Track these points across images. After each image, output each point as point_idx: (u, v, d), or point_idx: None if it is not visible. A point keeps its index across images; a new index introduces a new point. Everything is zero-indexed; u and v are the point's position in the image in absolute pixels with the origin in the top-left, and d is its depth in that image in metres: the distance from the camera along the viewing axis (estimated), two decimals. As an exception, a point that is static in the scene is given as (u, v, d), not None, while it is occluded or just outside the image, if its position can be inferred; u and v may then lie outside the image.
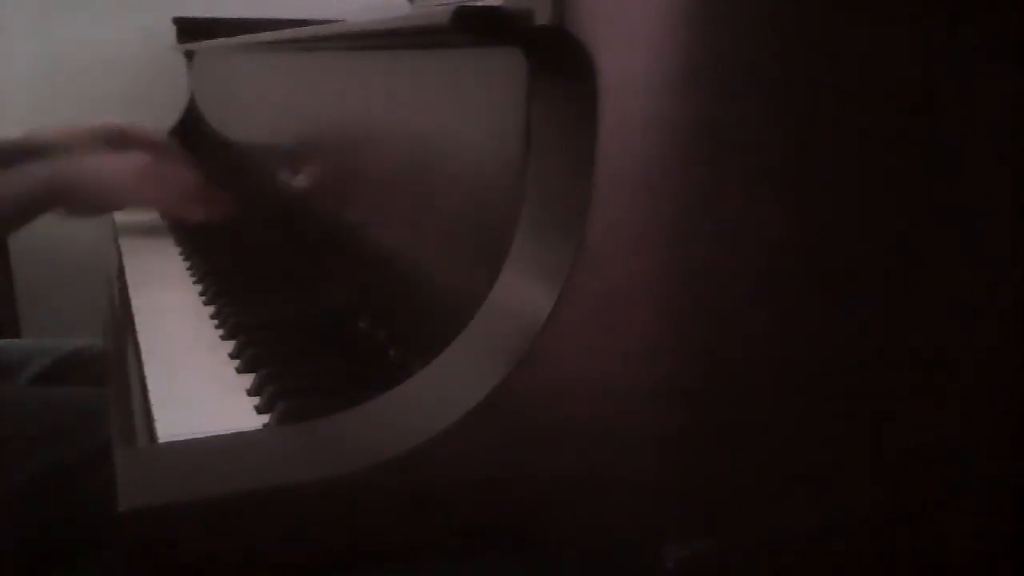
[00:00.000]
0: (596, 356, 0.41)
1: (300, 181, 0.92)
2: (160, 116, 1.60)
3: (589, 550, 0.43)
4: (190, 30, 1.56)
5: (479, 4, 0.41)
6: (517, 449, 0.40)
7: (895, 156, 0.44)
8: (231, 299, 0.75)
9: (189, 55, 1.55)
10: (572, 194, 0.40)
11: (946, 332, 0.47)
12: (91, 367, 1.02)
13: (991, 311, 0.48)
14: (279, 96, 0.99)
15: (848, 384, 0.45)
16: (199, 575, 0.38)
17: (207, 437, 0.44)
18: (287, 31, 0.87)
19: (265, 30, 0.99)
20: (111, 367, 0.70)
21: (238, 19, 1.49)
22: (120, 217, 1.16)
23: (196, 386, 0.59)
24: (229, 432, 0.44)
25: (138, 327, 0.71)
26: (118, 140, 1.12)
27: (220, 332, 0.69)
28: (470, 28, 0.42)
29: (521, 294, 0.42)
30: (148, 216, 1.14)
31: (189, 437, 0.44)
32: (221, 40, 1.25)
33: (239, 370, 0.61)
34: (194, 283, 0.85)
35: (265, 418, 0.54)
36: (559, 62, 0.40)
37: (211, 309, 0.75)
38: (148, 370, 0.61)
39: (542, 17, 0.38)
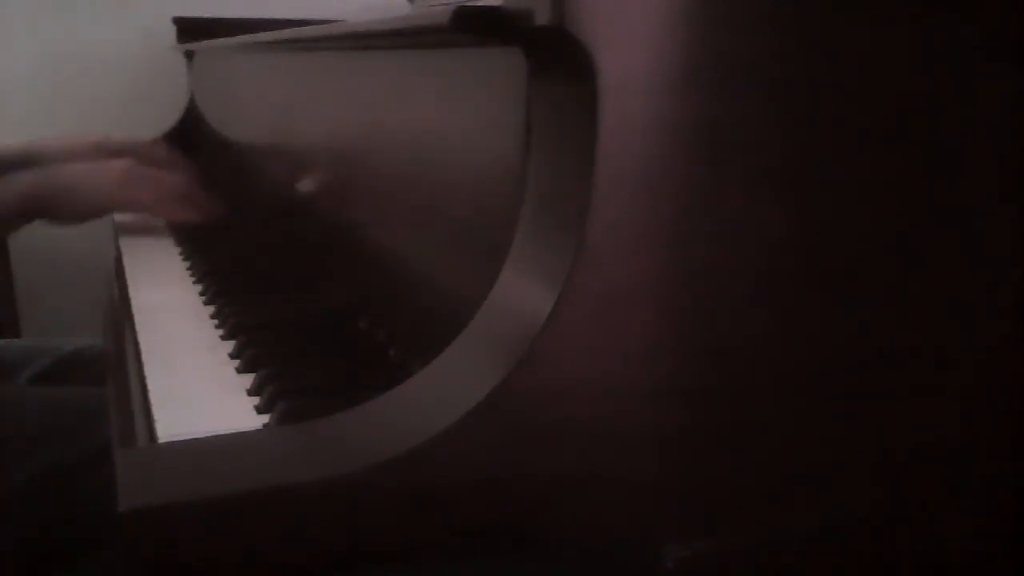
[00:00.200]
0: (596, 356, 0.41)
1: (300, 181, 0.92)
2: (160, 116, 1.60)
3: (589, 550, 0.43)
4: (190, 30, 1.56)
5: (479, 4, 0.41)
6: (517, 449, 0.40)
7: (895, 156, 0.44)
8: (231, 299, 0.75)
9: (189, 55, 1.55)
10: (572, 194, 0.40)
11: (946, 332, 0.47)
12: (91, 367, 1.02)
13: (991, 311, 0.48)
14: (279, 96, 0.99)
15: (848, 384, 0.45)
16: (199, 575, 0.38)
17: (207, 437, 0.44)
18: (287, 31, 0.87)
19: (265, 30, 0.99)
20: (111, 367, 0.70)
21: (238, 19, 1.49)
22: (120, 217, 1.16)
23: (196, 386, 0.59)
24: (229, 432, 0.44)
25: (138, 327, 0.71)
26: (115, 152, 1.12)
27: (220, 332, 0.69)
28: (470, 28, 0.42)
29: (521, 294, 0.42)
30: (147, 216, 1.14)
31: (189, 437, 0.44)
32: (221, 40, 1.25)
33: (239, 370, 0.61)
34: (194, 283, 0.85)
35: (265, 418, 0.54)
36: (559, 62, 0.40)
37: (211, 309, 0.75)
38: (148, 370, 0.61)
39: (542, 17, 0.38)
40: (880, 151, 0.44)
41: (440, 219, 0.59)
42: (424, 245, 0.62)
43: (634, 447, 0.42)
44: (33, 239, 1.32)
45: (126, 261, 0.95)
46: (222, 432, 0.45)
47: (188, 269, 0.91)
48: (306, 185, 0.90)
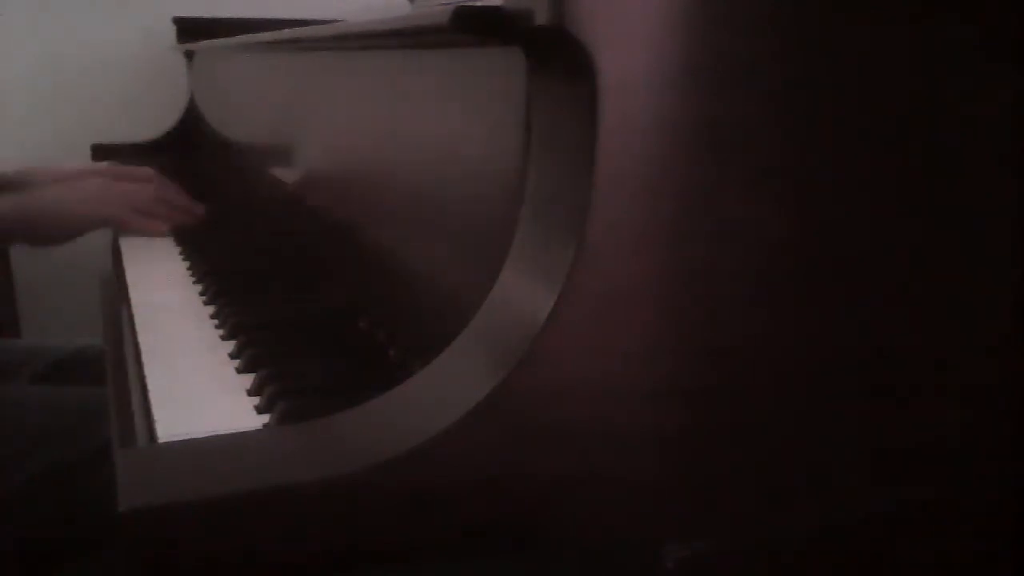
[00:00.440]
0: (596, 356, 0.41)
1: (300, 181, 0.92)
2: (160, 116, 1.60)
3: (589, 550, 0.43)
4: (190, 30, 1.56)
5: (479, 4, 0.41)
6: (517, 449, 0.40)
7: (895, 156, 0.44)
8: (231, 299, 0.75)
9: (189, 55, 1.55)
10: (572, 194, 0.40)
11: (946, 332, 0.47)
12: (91, 367, 1.02)
13: (991, 311, 0.48)
14: (279, 96, 0.99)
15: (848, 384, 0.45)
16: (199, 575, 0.38)
17: (207, 437, 0.44)
18: (287, 31, 0.87)
19: (265, 30, 0.99)
20: (111, 367, 0.70)
21: (238, 19, 1.49)
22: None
23: (196, 386, 0.59)
24: (229, 432, 0.44)
25: (138, 327, 0.71)
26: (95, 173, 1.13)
27: (220, 332, 0.69)
28: (470, 28, 0.42)
29: (521, 294, 0.42)
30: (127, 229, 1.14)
31: (189, 437, 0.44)
32: (221, 40, 1.25)
33: (239, 370, 0.61)
34: (194, 283, 0.85)
35: (265, 418, 0.54)
36: (559, 62, 0.40)
37: (211, 309, 0.75)
38: (148, 370, 0.61)
39: (542, 17, 0.38)
40: (880, 151, 0.44)
41: (440, 219, 0.59)
42: (424, 245, 0.62)
43: (634, 447, 0.42)
44: (33, 239, 1.32)
45: (126, 261, 0.96)
46: (222, 432, 0.45)
47: (188, 269, 0.91)
48: (306, 185, 0.90)
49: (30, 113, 1.71)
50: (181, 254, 0.98)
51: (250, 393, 0.57)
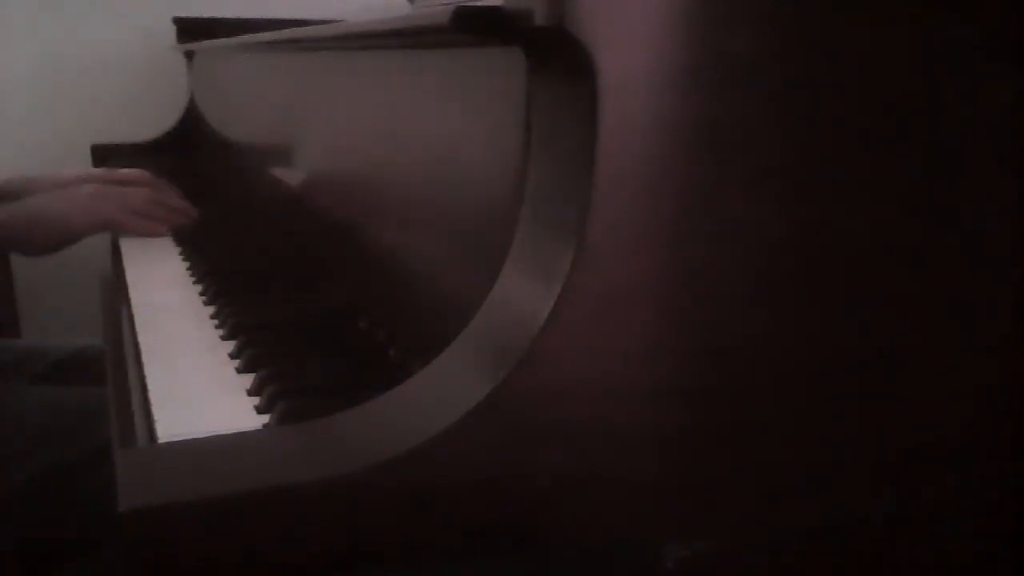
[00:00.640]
0: (596, 356, 0.41)
1: (300, 181, 0.92)
2: (160, 116, 1.61)
3: (589, 550, 0.43)
4: (190, 30, 1.56)
5: (479, 4, 0.41)
6: (517, 449, 0.40)
7: (895, 156, 0.44)
8: (231, 299, 0.75)
9: (189, 55, 1.55)
10: (572, 194, 0.40)
11: (946, 332, 0.47)
12: (91, 367, 1.03)
13: (991, 311, 0.48)
14: (279, 96, 0.99)
15: (848, 384, 0.45)
16: (199, 575, 0.38)
17: (207, 437, 0.44)
18: (287, 31, 0.87)
19: (265, 30, 0.99)
20: (111, 367, 0.70)
21: (238, 19, 1.49)
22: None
23: (196, 386, 0.59)
24: (229, 432, 0.44)
25: (138, 327, 0.71)
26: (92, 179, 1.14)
27: (220, 332, 0.69)
28: (470, 28, 0.42)
29: (521, 294, 0.42)
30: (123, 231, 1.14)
31: (189, 437, 0.44)
32: (221, 40, 1.25)
33: (239, 370, 0.61)
34: (194, 283, 0.85)
35: (265, 418, 0.54)
36: (559, 62, 0.40)
37: (211, 309, 0.75)
38: (148, 370, 0.61)
39: (542, 17, 0.38)
40: (880, 151, 0.44)
41: (440, 219, 0.59)
42: (424, 245, 0.62)
43: (634, 447, 0.42)
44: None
45: (126, 261, 0.96)
46: (222, 432, 0.45)
47: (188, 269, 0.91)
48: (306, 185, 0.90)
49: (30, 113, 1.71)
50: (181, 254, 0.98)
51: (250, 393, 0.57)
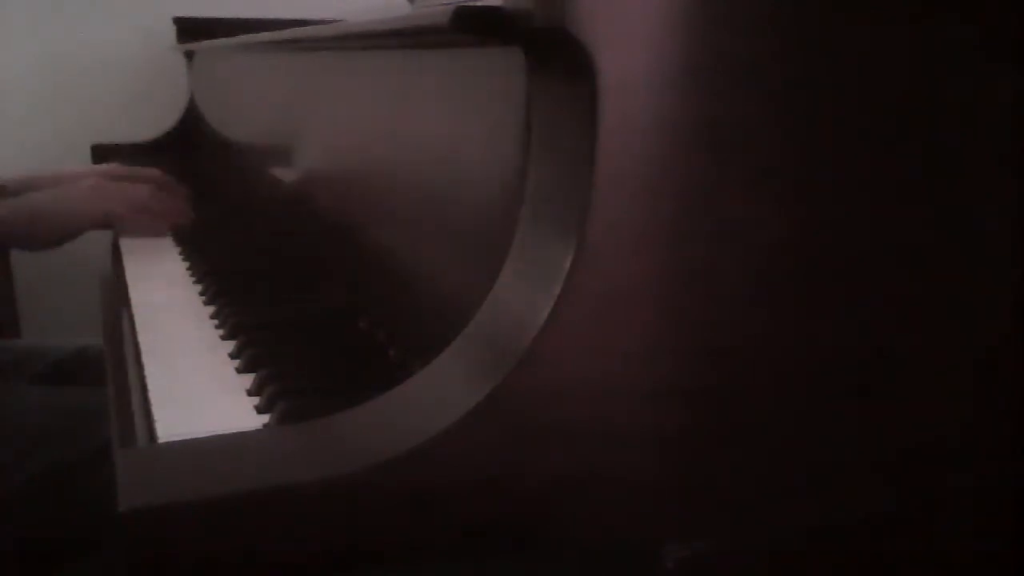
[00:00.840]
0: (596, 356, 0.41)
1: (300, 181, 0.92)
2: (160, 116, 1.60)
3: (589, 550, 0.43)
4: (190, 30, 1.56)
5: (479, 4, 0.41)
6: (517, 449, 0.40)
7: (895, 156, 0.44)
8: (231, 299, 0.75)
9: (189, 55, 1.55)
10: (572, 194, 0.40)
11: (946, 332, 0.47)
12: (91, 367, 1.02)
13: (991, 311, 0.48)
14: (279, 96, 0.99)
15: (848, 384, 0.45)
16: (199, 575, 0.38)
17: (207, 437, 0.44)
18: (287, 31, 0.87)
19: (265, 30, 0.99)
20: (111, 367, 0.70)
21: (238, 19, 1.49)
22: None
23: (196, 386, 0.59)
24: (229, 432, 0.44)
25: (138, 327, 0.71)
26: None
27: (220, 332, 0.69)
28: (470, 28, 0.42)
29: (521, 294, 0.42)
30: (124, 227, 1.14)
31: (189, 437, 0.44)
32: (221, 40, 1.25)
33: (239, 370, 0.61)
34: (194, 283, 0.85)
35: (265, 418, 0.54)
36: (559, 62, 0.40)
37: (211, 309, 0.75)
38: (148, 370, 0.61)
39: (542, 17, 0.38)
40: (880, 151, 0.44)
41: (440, 219, 0.59)
42: (424, 245, 0.62)
43: (634, 447, 0.42)
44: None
45: (126, 261, 0.96)
46: (222, 432, 0.45)
47: (188, 269, 0.91)
48: (306, 185, 0.90)
49: (30, 113, 1.71)
50: (181, 254, 0.98)
51: (250, 393, 0.57)
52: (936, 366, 0.47)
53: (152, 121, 1.60)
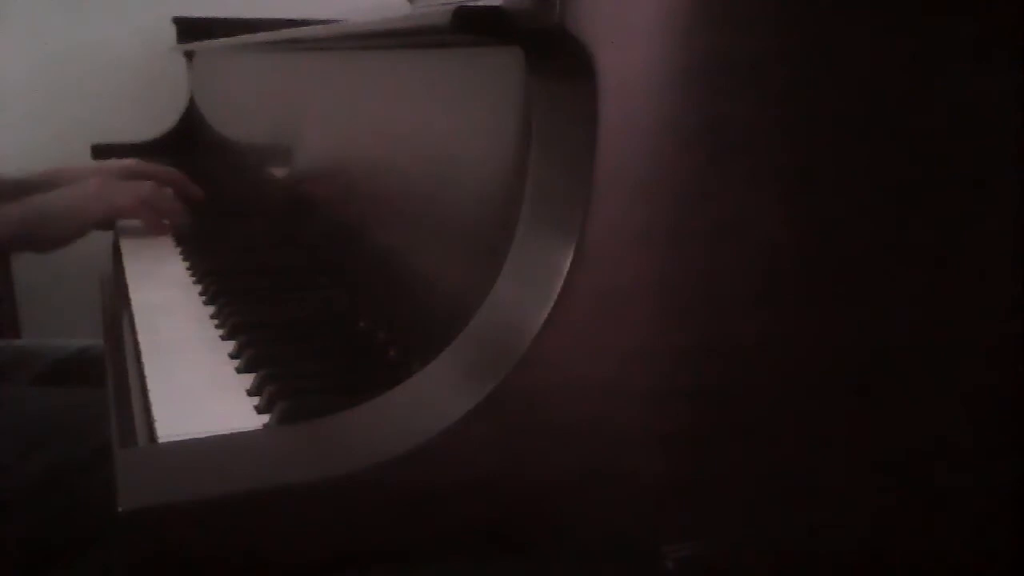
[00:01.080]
0: (596, 356, 0.41)
1: (300, 181, 0.92)
2: (160, 116, 1.60)
3: (589, 550, 0.43)
4: (190, 30, 1.56)
5: (479, 4, 0.41)
6: (517, 449, 0.40)
7: (895, 156, 0.44)
8: (231, 299, 0.75)
9: (189, 55, 1.55)
10: (572, 194, 0.40)
11: (946, 332, 0.47)
12: (92, 368, 1.02)
13: (991, 311, 0.48)
14: (279, 96, 0.99)
15: (848, 384, 0.45)
16: (199, 575, 0.38)
17: (207, 437, 0.44)
18: (287, 31, 0.87)
19: (265, 30, 0.99)
20: (111, 367, 0.70)
21: (238, 19, 1.49)
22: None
23: (196, 386, 0.59)
24: (229, 432, 0.44)
25: (138, 327, 0.71)
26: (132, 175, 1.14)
27: (220, 332, 0.69)
28: (470, 28, 0.42)
29: (521, 294, 0.42)
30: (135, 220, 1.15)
31: (189, 437, 0.44)
32: (221, 40, 1.25)
33: (239, 370, 0.61)
34: (194, 283, 0.85)
35: (265, 418, 0.53)
36: (559, 62, 0.40)
37: (211, 309, 0.75)
38: (148, 370, 0.61)
39: (542, 17, 0.38)
40: (880, 151, 0.44)
41: (440, 219, 0.59)
42: (424, 245, 0.62)
43: (634, 447, 0.42)
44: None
45: (126, 261, 0.95)
46: (222, 432, 0.45)
47: (188, 269, 0.91)
48: (306, 185, 0.90)
49: (30, 113, 1.71)
50: (181, 254, 0.98)
51: (250, 393, 0.57)
52: (936, 366, 0.47)
53: (152, 121, 1.60)
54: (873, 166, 0.44)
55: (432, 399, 0.42)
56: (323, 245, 0.86)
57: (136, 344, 0.67)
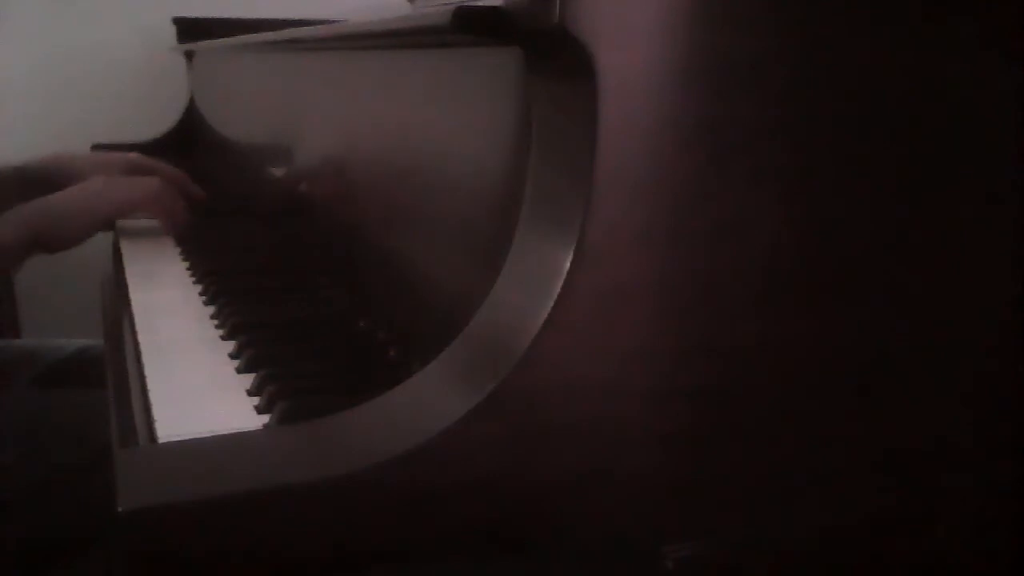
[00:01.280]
0: (596, 356, 0.41)
1: (300, 181, 0.92)
2: (160, 116, 1.60)
3: (589, 550, 0.43)
4: (190, 30, 1.56)
5: (479, 4, 0.41)
6: (517, 449, 0.40)
7: (895, 156, 0.44)
8: (231, 299, 0.75)
9: (189, 55, 1.55)
10: (572, 194, 0.40)
11: (946, 332, 0.47)
12: (92, 368, 1.02)
13: (991, 311, 0.48)
14: (279, 96, 0.99)
15: (848, 384, 0.45)
16: (199, 575, 0.38)
17: (207, 437, 0.44)
18: (287, 31, 0.87)
19: (265, 30, 0.99)
20: (111, 367, 0.70)
21: (238, 19, 1.49)
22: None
23: (196, 386, 0.59)
24: (229, 432, 0.44)
25: (138, 327, 0.71)
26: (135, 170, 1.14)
27: (220, 332, 0.69)
28: (470, 28, 0.42)
29: (521, 294, 0.42)
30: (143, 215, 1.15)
31: (189, 437, 0.44)
32: (221, 40, 1.25)
33: (239, 370, 0.61)
34: (194, 283, 0.85)
35: (265, 418, 0.54)
36: (559, 62, 0.40)
37: (211, 309, 0.75)
38: (148, 370, 0.61)
39: (542, 17, 0.38)
40: (880, 151, 0.44)
41: (440, 219, 0.59)
42: (424, 245, 0.62)
43: (634, 447, 0.42)
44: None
45: (126, 261, 0.96)
46: (222, 432, 0.45)
47: (188, 269, 0.91)
48: (306, 185, 0.90)
49: (30, 113, 1.71)
50: (181, 254, 0.98)
51: (250, 393, 0.57)
52: (936, 366, 0.47)
53: (152, 121, 1.60)
54: (873, 166, 0.44)
55: (432, 399, 0.42)
56: (323, 245, 0.86)
57: (136, 344, 0.67)
